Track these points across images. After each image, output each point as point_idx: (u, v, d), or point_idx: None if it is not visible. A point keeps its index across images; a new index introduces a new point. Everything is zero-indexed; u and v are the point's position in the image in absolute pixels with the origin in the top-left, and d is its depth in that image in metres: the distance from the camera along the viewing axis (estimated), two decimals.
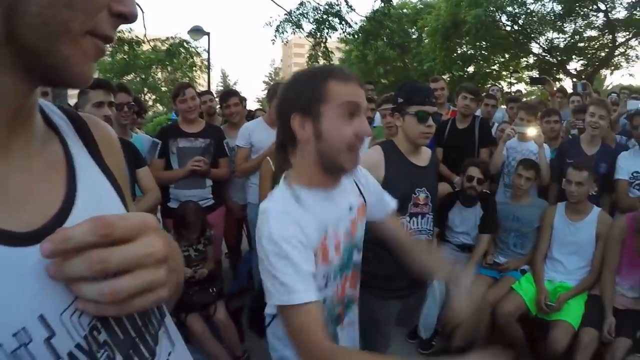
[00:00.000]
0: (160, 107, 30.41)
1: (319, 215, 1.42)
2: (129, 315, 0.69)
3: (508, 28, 20.78)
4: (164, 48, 19.83)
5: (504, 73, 23.77)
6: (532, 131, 3.96)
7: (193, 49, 20.64)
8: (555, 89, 6.62)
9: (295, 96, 1.40)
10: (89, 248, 0.55)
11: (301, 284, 1.29)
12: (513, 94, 11.25)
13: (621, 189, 3.76)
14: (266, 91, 4.36)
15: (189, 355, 0.90)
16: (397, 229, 1.94)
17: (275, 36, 16.52)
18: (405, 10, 24.24)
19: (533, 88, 21.70)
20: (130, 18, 0.62)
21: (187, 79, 23.78)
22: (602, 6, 18.12)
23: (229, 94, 4.56)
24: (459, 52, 22.41)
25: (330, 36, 16.48)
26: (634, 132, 3.81)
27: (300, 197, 1.41)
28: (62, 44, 0.56)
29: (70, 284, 0.58)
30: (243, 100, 4.95)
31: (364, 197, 1.70)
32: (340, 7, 15.49)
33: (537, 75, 19.82)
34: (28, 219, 0.59)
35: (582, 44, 20.40)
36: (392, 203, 1.89)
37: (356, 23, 16.23)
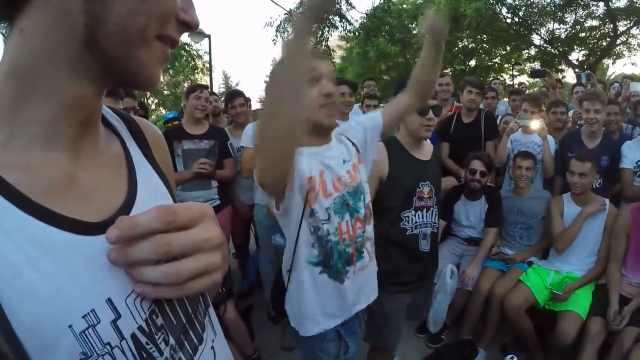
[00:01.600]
0: (163, 111, 30.47)
1: (315, 159, 1.72)
2: (181, 301, 0.74)
3: (509, 20, 20.70)
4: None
5: (505, 66, 23.68)
6: (535, 124, 3.96)
7: (194, 52, 20.70)
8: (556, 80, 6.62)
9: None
10: (153, 234, 0.60)
11: None
12: (516, 86, 11.23)
13: (626, 178, 3.76)
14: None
15: (227, 345, 0.95)
16: (391, 108, 2.15)
17: (276, 36, 16.57)
18: (405, 6, 24.20)
19: (536, 80, 21.60)
20: (193, 27, 0.68)
21: (189, 82, 23.82)
22: None
23: (234, 94, 4.57)
24: (460, 46, 22.33)
25: (331, 34, 16.50)
26: (638, 119, 3.78)
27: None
28: (138, 50, 0.61)
29: (132, 269, 0.62)
30: (248, 100, 4.96)
31: (357, 147, 1.97)
32: (340, 5, 15.50)
33: (539, 67, 19.78)
34: (97, 210, 0.64)
35: (583, 34, 20.29)
36: (375, 115, 2.12)
37: (356, 20, 16.24)
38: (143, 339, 0.66)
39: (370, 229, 1.97)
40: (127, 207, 0.68)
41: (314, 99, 1.65)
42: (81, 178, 0.65)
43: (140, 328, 0.66)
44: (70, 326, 0.57)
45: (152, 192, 0.75)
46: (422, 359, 3.47)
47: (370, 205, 1.98)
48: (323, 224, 1.76)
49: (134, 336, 0.65)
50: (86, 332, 0.59)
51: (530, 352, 3.43)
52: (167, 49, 0.65)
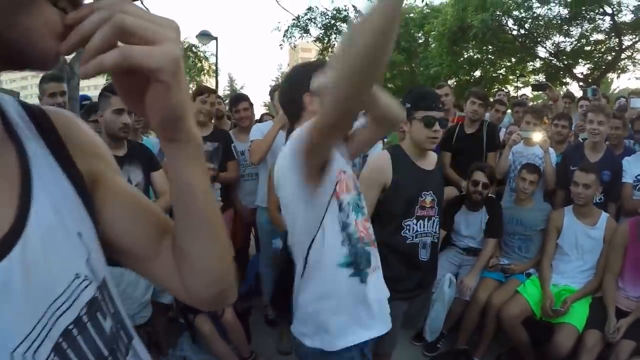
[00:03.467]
0: None
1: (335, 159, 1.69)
2: (91, 342, 0.64)
3: (514, 32, 20.73)
4: None
5: (510, 77, 23.70)
6: (537, 136, 3.98)
7: (201, 54, 20.77)
8: (561, 94, 6.66)
9: (305, 81, 1.69)
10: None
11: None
12: (520, 97, 11.24)
13: (626, 192, 3.78)
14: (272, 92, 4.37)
15: None
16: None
17: (283, 41, 16.62)
18: (411, 15, 24.25)
19: (540, 92, 21.69)
20: None
21: (195, 83, 23.93)
22: (609, 10, 18.06)
23: (239, 98, 4.59)
24: (465, 56, 22.36)
25: (337, 41, 16.55)
26: (636, 135, 3.82)
27: None
28: (19, 15, 0.49)
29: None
30: (252, 105, 4.98)
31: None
32: (347, 12, 15.56)
33: (543, 80, 19.81)
34: None
35: (588, 48, 20.31)
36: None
37: None
38: None
39: (372, 234, 1.94)
40: (15, 231, 0.56)
41: None
42: None
43: None
44: None
45: (54, 206, 0.62)
46: None
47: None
48: (348, 217, 1.72)
49: None
50: None
51: None
52: (62, 15, 0.53)
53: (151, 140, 4.22)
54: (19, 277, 0.54)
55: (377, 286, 1.85)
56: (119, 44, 0.51)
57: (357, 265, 1.73)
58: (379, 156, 2.63)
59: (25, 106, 0.68)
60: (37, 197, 0.60)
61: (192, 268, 0.75)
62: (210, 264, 0.75)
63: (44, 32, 0.51)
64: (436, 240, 2.65)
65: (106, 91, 2.87)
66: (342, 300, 1.73)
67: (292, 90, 1.82)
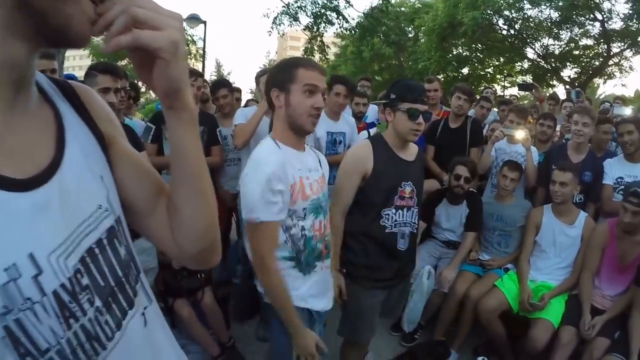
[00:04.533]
0: (153, 94, 30.22)
1: (295, 163, 1.95)
2: (109, 263, 0.79)
3: (504, 32, 20.89)
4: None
5: (498, 76, 23.88)
6: (520, 134, 4.01)
7: (189, 37, 20.55)
8: (547, 95, 6.73)
9: (274, 77, 1.97)
10: None
11: (263, 207, 1.82)
12: (507, 97, 11.33)
13: (606, 194, 3.83)
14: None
15: (162, 317, 1.00)
16: None
17: (272, 28, 16.49)
18: (403, 9, 24.26)
19: (527, 92, 21.87)
20: None
21: None
22: (599, 16, 18.26)
23: (218, 84, 4.51)
24: (454, 53, 22.49)
25: (327, 30, 16.47)
26: (619, 139, 3.88)
27: (281, 147, 1.95)
28: (65, 4, 0.63)
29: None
30: (236, 91, 4.93)
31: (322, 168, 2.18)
32: (338, 2, 15.47)
33: (531, 81, 19.99)
34: (24, 168, 0.67)
35: (577, 52, 20.54)
36: None
37: (353, 19, 16.23)
38: (66, 297, 0.68)
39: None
40: (54, 165, 0.71)
41: (307, 107, 1.88)
42: (9, 137, 0.67)
43: (62, 286, 0.68)
44: None
45: (82, 152, 0.78)
46: (394, 356, 3.51)
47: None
48: (299, 221, 1.96)
49: (55, 293, 0.67)
50: (7, 285, 0.60)
51: (501, 356, 3.49)
52: (93, 5, 0.67)
53: (134, 122, 4.18)
54: (56, 198, 0.69)
55: (323, 281, 2.13)
56: (133, 29, 0.67)
57: (298, 260, 1.98)
58: (360, 145, 2.65)
59: (51, 78, 0.83)
60: (70, 143, 0.76)
61: (182, 222, 0.90)
62: (198, 217, 0.90)
63: (82, 19, 0.66)
64: (415, 231, 2.67)
65: (92, 70, 2.83)
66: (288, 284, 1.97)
67: (267, 83, 2.00)
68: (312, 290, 2.04)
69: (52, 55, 2.96)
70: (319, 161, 2.17)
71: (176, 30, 0.70)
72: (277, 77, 1.94)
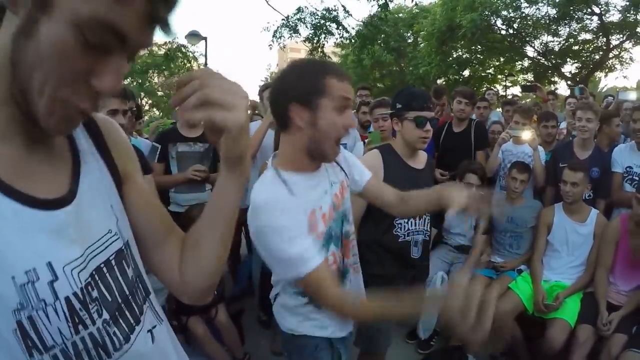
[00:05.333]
0: (157, 112, 30.41)
1: (305, 197, 1.59)
2: (117, 281, 0.87)
3: (503, 32, 20.90)
4: (161, 52, 19.89)
5: (499, 76, 23.88)
6: (526, 134, 4.00)
7: (190, 54, 20.70)
8: (546, 92, 6.73)
9: (293, 86, 1.53)
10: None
11: (308, 253, 1.50)
12: (510, 96, 11.32)
13: (616, 182, 3.82)
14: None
15: (174, 336, 1.08)
16: (381, 186, 2.08)
17: (272, 41, 16.55)
18: (401, 15, 24.33)
19: (529, 93, 21.85)
20: (104, 94, 0.72)
21: None
22: (597, 9, 18.26)
23: None
24: (454, 56, 22.51)
25: (327, 41, 16.53)
26: (632, 125, 3.81)
27: (288, 181, 1.58)
28: (40, 100, 0.68)
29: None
30: None
31: (345, 172, 1.88)
32: (337, 13, 15.53)
33: (532, 79, 19.98)
34: (48, 192, 0.77)
35: (576, 47, 20.53)
36: (368, 173, 2.03)
37: (353, 28, 16.28)
38: (77, 304, 0.77)
39: (352, 254, 1.90)
40: (71, 192, 0.81)
41: (339, 128, 1.53)
42: (33, 168, 0.77)
43: (74, 294, 0.77)
44: (13, 277, 0.69)
45: (96, 183, 0.88)
46: None
47: (354, 233, 1.92)
48: None
49: (67, 300, 0.76)
50: (26, 285, 0.70)
51: (519, 358, 3.46)
52: (73, 112, 0.72)
53: (140, 142, 4.21)
54: (73, 221, 0.79)
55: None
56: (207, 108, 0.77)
57: (312, 298, 1.71)
58: (370, 156, 2.64)
59: None
60: (84, 176, 0.85)
61: (201, 259, 0.98)
62: (217, 257, 0.99)
63: (46, 118, 0.71)
64: (427, 238, 2.67)
65: None
66: (303, 322, 1.77)
67: (279, 95, 1.59)
68: (333, 322, 1.80)
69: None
70: (339, 166, 1.87)
71: (243, 111, 0.79)
72: (299, 88, 1.50)
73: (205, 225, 0.97)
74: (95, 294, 0.81)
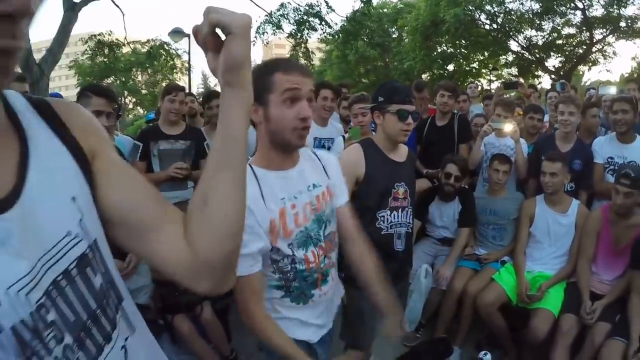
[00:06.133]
0: (141, 110, 30.17)
1: (277, 192, 1.64)
2: (80, 296, 0.74)
3: (487, 27, 21.01)
4: (144, 50, 19.72)
5: (483, 71, 24.01)
6: (508, 127, 4.02)
7: (173, 51, 20.56)
8: (528, 86, 6.80)
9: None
10: None
11: (249, 258, 1.54)
12: (493, 91, 11.39)
13: (597, 173, 3.86)
14: None
15: (152, 340, 0.98)
16: (348, 216, 1.99)
17: (255, 37, 16.51)
18: (385, 10, 24.36)
19: (512, 89, 21.99)
20: (23, 13, 0.59)
21: (168, 81, 23.58)
22: (580, 4, 18.42)
23: (211, 95, 4.54)
24: (438, 50, 22.59)
25: (310, 37, 16.52)
26: (612, 116, 3.85)
27: (258, 175, 1.63)
28: None
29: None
30: None
31: (329, 178, 1.88)
32: (320, 8, 15.52)
33: (516, 74, 20.13)
34: None
35: (560, 42, 20.70)
36: (345, 196, 1.99)
37: (336, 23, 16.29)
38: (26, 335, 0.64)
39: (334, 255, 1.90)
40: (14, 194, 0.68)
41: (290, 120, 1.57)
42: None
43: (22, 322, 0.64)
44: None
45: (50, 175, 0.74)
46: (397, 357, 3.49)
47: (336, 234, 1.91)
48: (285, 258, 1.68)
49: (14, 330, 0.63)
50: None
51: (503, 349, 3.49)
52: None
53: (122, 139, 4.16)
54: (18, 228, 0.65)
55: (322, 308, 1.86)
56: None
57: (287, 288, 1.72)
58: (351, 150, 2.64)
59: (29, 98, 0.80)
60: (34, 167, 0.71)
61: (211, 215, 0.83)
62: (231, 212, 0.84)
63: None
64: (410, 231, 2.68)
65: (87, 91, 2.86)
66: (279, 320, 1.74)
67: None
68: (312, 320, 1.81)
69: (23, 78, 2.97)
70: (323, 167, 1.88)
71: (247, 17, 0.79)
72: (254, 87, 1.65)
73: (213, 167, 0.84)
74: (51, 316, 0.68)
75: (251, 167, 1.64)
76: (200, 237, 0.83)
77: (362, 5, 15.25)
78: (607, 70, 28.74)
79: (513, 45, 21.73)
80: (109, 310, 0.80)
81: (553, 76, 19.79)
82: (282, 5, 15.63)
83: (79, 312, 0.73)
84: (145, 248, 0.85)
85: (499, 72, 23.50)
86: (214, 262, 0.84)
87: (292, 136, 1.60)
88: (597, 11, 18.56)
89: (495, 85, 21.46)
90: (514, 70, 22.60)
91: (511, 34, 21.05)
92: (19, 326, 0.63)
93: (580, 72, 25.73)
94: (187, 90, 4.77)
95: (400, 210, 2.57)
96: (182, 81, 26.07)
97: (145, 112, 27.13)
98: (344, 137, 4.06)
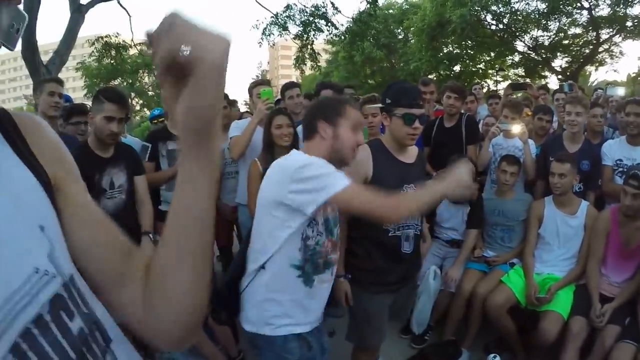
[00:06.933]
0: (148, 112, 30.26)
1: None
2: (55, 344, 0.61)
3: (493, 27, 20.94)
4: (150, 52, 19.80)
5: (489, 71, 23.93)
6: (516, 128, 4.01)
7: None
8: (539, 86, 6.76)
9: (322, 109, 2.10)
10: None
11: (339, 174, 1.86)
12: (499, 91, 11.37)
13: (606, 175, 3.84)
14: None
15: None
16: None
17: (262, 39, 16.54)
18: (391, 11, 24.35)
19: (520, 91, 21.91)
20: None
21: None
22: (586, 4, 18.33)
23: None
24: (445, 51, 22.55)
25: (316, 38, 16.53)
26: (625, 118, 3.82)
27: None
28: None
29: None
30: (233, 103, 4.94)
31: None
32: (326, 9, 15.54)
33: (523, 75, 20.05)
34: None
35: (566, 42, 20.60)
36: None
37: (342, 25, 16.30)
38: None
39: (335, 256, 2.15)
40: None
41: (353, 143, 2.04)
42: None
43: None
44: None
45: (12, 201, 0.62)
46: (406, 359, 3.49)
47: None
48: (317, 235, 1.98)
49: None
50: None
51: (512, 351, 3.47)
52: None
53: (131, 140, 4.18)
54: None
55: (320, 295, 2.11)
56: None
57: (304, 270, 1.98)
58: (359, 150, 2.63)
59: None
60: None
61: (168, 300, 0.71)
62: (190, 297, 0.71)
63: None
64: (419, 233, 2.66)
65: (102, 95, 2.88)
66: (285, 295, 1.99)
67: (312, 112, 2.15)
68: (312, 306, 2.08)
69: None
70: None
71: (223, 44, 0.60)
72: (326, 110, 2.07)
73: (169, 250, 0.70)
74: None
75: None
76: (155, 310, 0.72)
77: (368, 6, 15.24)
78: (614, 70, 28.64)
79: (519, 46, 21.67)
80: (93, 357, 0.67)
81: (560, 76, 19.71)
82: (288, 6, 15.67)
83: None
84: (104, 298, 0.74)
85: (506, 72, 23.42)
86: (169, 333, 0.74)
87: (349, 155, 2.06)
88: (604, 11, 18.49)
89: (501, 86, 21.45)
90: (521, 71, 22.55)
91: (517, 34, 20.98)
92: None
93: (587, 73, 25.63)
94: None
95: None
96: None
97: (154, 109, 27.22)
98: None
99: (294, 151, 2.08)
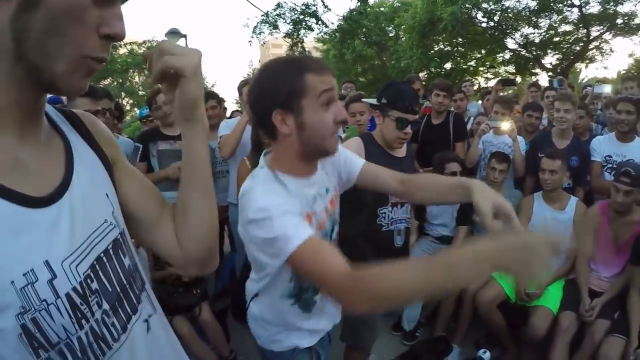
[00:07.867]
0: (138, 112, 30.14)
1: (300, 199, 1.47)
2: (115, 271, 0.89)
3: (484, 24, 20.94)
4: (140, 51, 19.71)
5: (480, 69, 23.96)
6: (506, 125, 4.02)
7: None
8: (530, 83, 6.78)
9: (272, 92, 1.39)
10: None
11: (293, 229, 1.30)
12: (491, 88, 11.41)
13: (595, 171, 3.88)
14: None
15: (167, 323, 1.10)
16: (376, 169, 1.91)
17: (252, 37, 16.52)
18: (382, 9, 24.33)
19: (509, 87, 21.95)
20: (117, 38, 0.78)
21: None
22: (577, 1, 18.36)
23: (206, 96, 4.54)
24: (436, 49, 22.52)
25: (307, 36, 16.52)
26: (617, 115, 3.84)
27: (284, 181, 1.46)
28: (56, 63, 0.72)
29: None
30: (222, 101, 4.93)
31: (339, 173, 1.79)
32: (316, 8, 15.53)
33: (513, 71, 20.12)
34: (38, 187, 0.77)
35: (557, 39, 20.65)
36: (360, 160, 1.90)
37: (332, 23, 16.30)
38: (77, 299, 0.79)
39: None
40: (64, 186, 0.82)
41: (329, 125, 1.42)
42: (26, 162, 0.77)
43: (74, 289, 0.78)
44: (12, 282, 0.69)
45: (88, 173, 0.89)
46: (397, 356, 3.50)
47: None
48: None
49: (68, 295, 0.77)
50: (26, 288, 0.71)
51: (503, 346, 3.49)
52: (93, 63, 0.77)
53: (123, 141, 4.16)
54: (67, 214, 0.80)
55: (324, 309, 1.76)
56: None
57: (298, 297, 1.63)
58: (352, 142, 2.64)
59: (59, 110, 0.95)
60: (78, 167, 0.87)
61: (190, 224, 1.01)
62: (205, 219, 1.02)
63: (69, 76, 0.75)
64: (409, 226, 2.70)
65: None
66: (283, 320, 1.69)
67: (259, 103, 1.45)
68: (317, 327, 1.77)
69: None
70: (326, 173, 1.73)
71: (196, 57, 0.88)
72: (279, 92, 1.38)
73: (186, 189, 1.00)
74: (94, 285, 0.83)
75: (273, 173, 1.48)
76: (184, 238, 1.02)
77: (359, 4, 15.25)
78: (605, 68, 28.80)
79: (510, 43, 21.67)
80: (136, 288, 0.96)
81: (550, 74, 19.77)
82: (278, 4, 15.65)
83: (115, 285, 0.88)
84: (148, 239, 1.05)
85: (497, 69, 23.47)
86: (197, 255, 1.03)
87: (331, 142, 1.45)
88: (594, 8, 18.51)
89: (492, 83, 21.51)
90: (511, 68, 22.57)
91: (508, 31, 20.99)
92: (71, 292, 0.77)
93: (578, 70, 25.71)
94: None
95: (399, 206, 2.58)
96: None
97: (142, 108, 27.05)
98: (340, 137, 4.07)
99: (251, 185, 1.44)
